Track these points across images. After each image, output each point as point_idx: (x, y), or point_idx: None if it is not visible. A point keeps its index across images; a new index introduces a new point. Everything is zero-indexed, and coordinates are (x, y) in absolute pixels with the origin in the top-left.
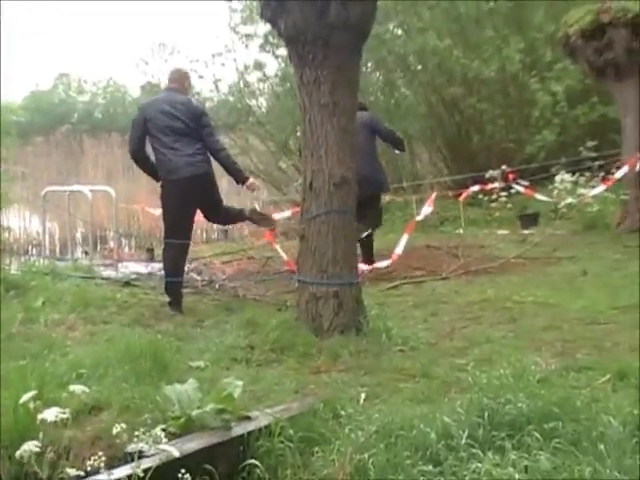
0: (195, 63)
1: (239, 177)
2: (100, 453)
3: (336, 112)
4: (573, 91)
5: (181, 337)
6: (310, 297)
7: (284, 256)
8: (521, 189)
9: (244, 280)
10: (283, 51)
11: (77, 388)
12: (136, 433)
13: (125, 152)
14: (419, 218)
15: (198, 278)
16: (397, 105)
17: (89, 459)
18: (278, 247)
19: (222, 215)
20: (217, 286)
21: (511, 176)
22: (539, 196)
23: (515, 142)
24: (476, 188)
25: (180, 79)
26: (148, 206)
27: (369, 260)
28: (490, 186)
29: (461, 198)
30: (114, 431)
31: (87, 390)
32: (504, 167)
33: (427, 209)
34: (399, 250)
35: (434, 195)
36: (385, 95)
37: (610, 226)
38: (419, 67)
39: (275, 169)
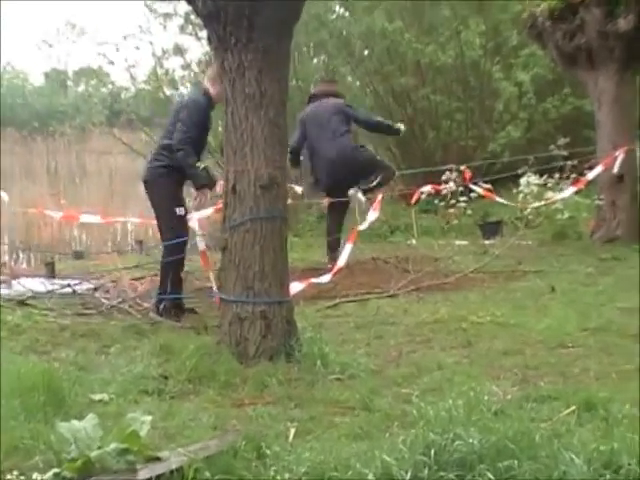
0: (104, 46)
1: (196, 183)
2: None
3: (263, 103)
4: (542, 81)
5: (82, 366)
6: (233, 318)
7: (212, 279)
8: (480, 191)
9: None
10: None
11: None
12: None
13: (25, 150)
14: (363, 227)
15: (103, 298)
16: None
17: None
18: (212, 274)
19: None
20: (127, 307)
21: (468, 175)
22: (501, 200)
23: (476, 139)
24: (427, 188)
25: None
26: (48, 209)
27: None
28: (444, 187)
29: (412, 200)
30: None
31: None
32: (462, 167)
33: (372, 215)
34: (341, 262)
35: (380, 197)
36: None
37: (583, 235)
38: (365, 52)
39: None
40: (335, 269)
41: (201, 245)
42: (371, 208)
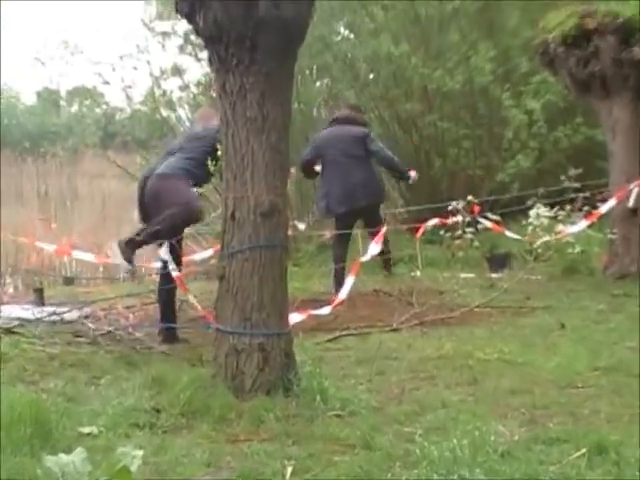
0: (99, 65)
1: None
2: None
3: (265, 127)
4: (553, 109)
5: (71, 397)
6: (230, 350)
7: (195, 303)
8: (489, 224)
9: (151, 329)
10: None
11: None
12: None
13: (15, 171)
14: (365, 259)
15: (93, 326)
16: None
17: None
18: (190, 296)
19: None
20: (118, 336)
21: (477, 209)
22: (510, 233)
23: (484, 169)
24: (434, 222)
25: None
26: (40, 237)
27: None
28: (452, 220)
29: (417, 234)
30: None
31: None
32: (470, 198)
33: (375, 247)
34: (342, 295)
35: (384, 230)
36: (330, 108)
37: (594, 270)
38: (370, 76)
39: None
40: (336, 301)
41: (174, 272)
42: (373, 240)
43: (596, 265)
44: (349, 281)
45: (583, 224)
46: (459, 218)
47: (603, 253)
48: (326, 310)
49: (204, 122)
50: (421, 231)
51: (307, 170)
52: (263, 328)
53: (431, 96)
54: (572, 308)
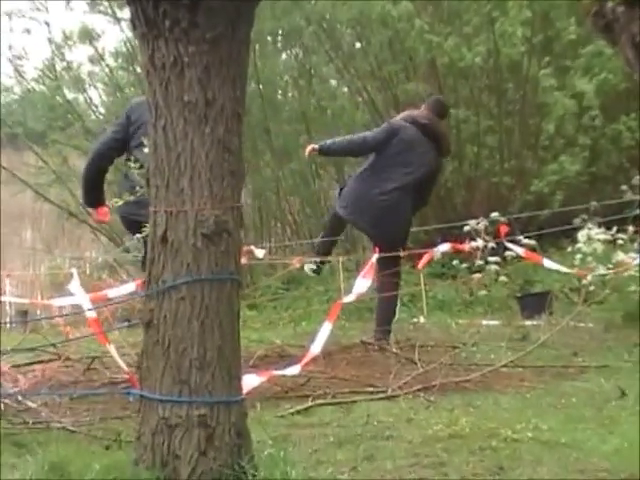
0: None
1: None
2: None
3: (209, 115)
4: (612, 92)
5: None
6: (159, 425)
7: (120, 361)
8: (521, 252)
9: (50, 396)
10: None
11: None
12: None
13: None
14: (349, 299)
15: None
16: (321, 108)
17: None
18: (112, 347)
19: None
20: (2, 406)
21: (504, 230)
22: (550, 263)
23: (514, 174)
24: (444, 249)
25: None
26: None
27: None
28: (469, 245)
29: (421, 265)
30: None
31: None
32: (494, 215)
33: (363, 283)
34: (316, 348)
35: (375, 258)
36: (301, 91)
37: None
38: (357, 46)
39: (113, 209)
40: (307, 357)
41: (90, 313)
42: (360, 274)
43: None
44: (325, 329)
45: None
46: (479, 243)
47: None
48: (294, 370)
49: None
50: (426, 260)
51: (331, 149)
52: (206, 394)
53: (441, 73)
54: (636, 369)
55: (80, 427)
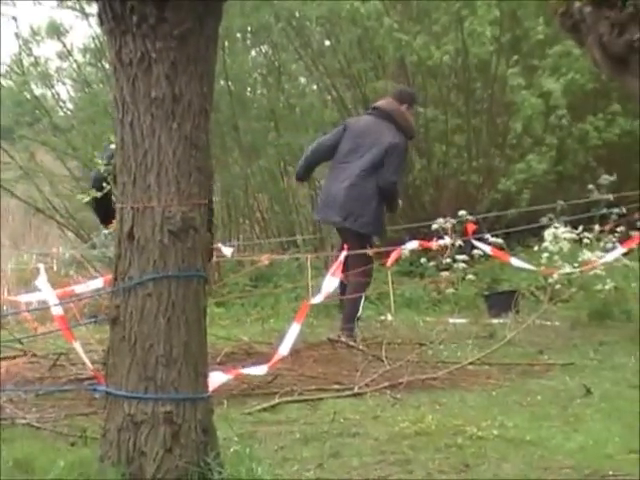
0: None
1: None
2: None
3: (176, 112)
4: (579, 92)
5: None
6: (125, 422)
7: (85, 359)
8: (488, 250)
9: (15, 392)
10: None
11: None
12: None
13: None
14: (317, 300)
15: None
16: (289, 107)
17: None
18: (77, 344)
19: None
20: None
21: (472, 228)
22: (517, 262)
23: (482, 172)
24: (412, 246)
25: None
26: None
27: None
28: (437, 243)
29: (389, 263)
30: None
31: None
32: (462, 213)
33: (331, 282)
34: (284, 350)
35: (343, 256)
36: (270, 88)
37: (632, 315)
38: (326, 43)
39: (81, 205)
40: (275, 359)
41: (56, 309)
42: (328, 272)
43: (635, 308)
44: (293, 331)
45: (618, 251)
46: (447, 241)
47: None
48: (261, 369)
49: None
50: (394, 258)
51: (304, 171)
52: (172, 391)
53: (410, 72)
54: (602, 367)
55: (45, 424)
